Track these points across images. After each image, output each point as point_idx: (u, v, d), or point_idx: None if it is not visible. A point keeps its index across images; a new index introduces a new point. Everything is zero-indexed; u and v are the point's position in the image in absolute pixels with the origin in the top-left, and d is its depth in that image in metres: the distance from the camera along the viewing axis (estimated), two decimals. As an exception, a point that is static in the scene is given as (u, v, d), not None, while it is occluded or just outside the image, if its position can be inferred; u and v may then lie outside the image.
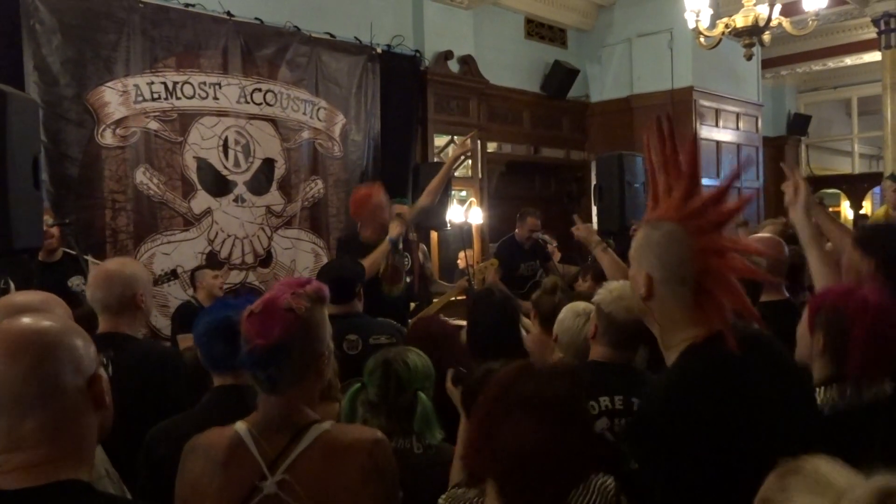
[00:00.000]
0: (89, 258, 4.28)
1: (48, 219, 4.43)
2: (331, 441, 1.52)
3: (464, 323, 3.15)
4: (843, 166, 13.49)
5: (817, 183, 12.56)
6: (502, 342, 2.79)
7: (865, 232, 2.80)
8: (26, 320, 1.26)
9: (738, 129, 9.64)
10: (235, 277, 5.87)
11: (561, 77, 8.77)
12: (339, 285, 3.18)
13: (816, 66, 11.31)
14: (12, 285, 3.38)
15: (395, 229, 4.23)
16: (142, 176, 5.39)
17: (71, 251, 4.28)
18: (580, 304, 2.69)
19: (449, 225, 6.75)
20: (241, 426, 1.55)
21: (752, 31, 6.06)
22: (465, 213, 7.34)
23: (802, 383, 1.62)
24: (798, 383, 1.61)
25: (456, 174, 7.52)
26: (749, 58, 6.34)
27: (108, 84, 5.22)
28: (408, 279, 4.52)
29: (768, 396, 1.51)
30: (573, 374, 1.39)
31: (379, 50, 6.87)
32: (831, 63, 11.14)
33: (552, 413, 1.31)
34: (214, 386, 2.12)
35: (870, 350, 1.70)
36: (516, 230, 6.22)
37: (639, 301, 1.58)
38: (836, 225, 2.85)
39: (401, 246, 4.27)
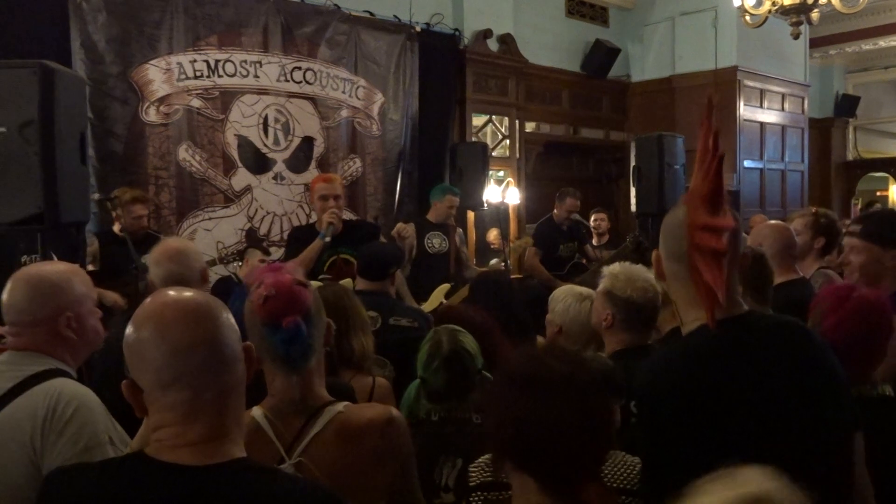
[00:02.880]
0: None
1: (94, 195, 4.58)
2: (344, 423, 1.54)
3: None
4: (893, 149, 13.12)
5: (865, 166, 12.25)
6: (507, 324, 2.81)
7: (878, 223, 2.78)
8: (185, 293, 1.25)
9: (783, 110, 9.43)
10: (275, 254, 5.94)
11: (601, 56, 8.66)
12: (372, 264, 3.24)
13: (867, 46, 10.97)
14: (55, 259, 3.46)
15: (325, 220, 4.05)
16: (184, 153, 5.48)
17: (155, 232, 4.46)
18: (577, 289, 2.67)
19: (486, 205, 6.75)
20: (257, 411, 1.57)
21: (800, 9, 5.90)
22: (503, 193, 7.32)
23: (829, 376, 1.56)
24: (823, 376, 1.55)
25: (494, 154, 7.52)
26: (796, 36, 6.18)
27: (152, 62, 5.30)
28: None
29: (775, 384, 1.48)
30: (579, 354, 1.42)
31: (418, 28, 6.85)
32: (882, 42, 10.79)
33: (581, 393, 1.31)
34: None
35: (838, 345, 1.70)
36: (554, 210, 6.19)
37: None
38: None
39: (328, 239, 4.03)
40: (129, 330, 1.21)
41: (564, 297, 2.63)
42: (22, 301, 1.79)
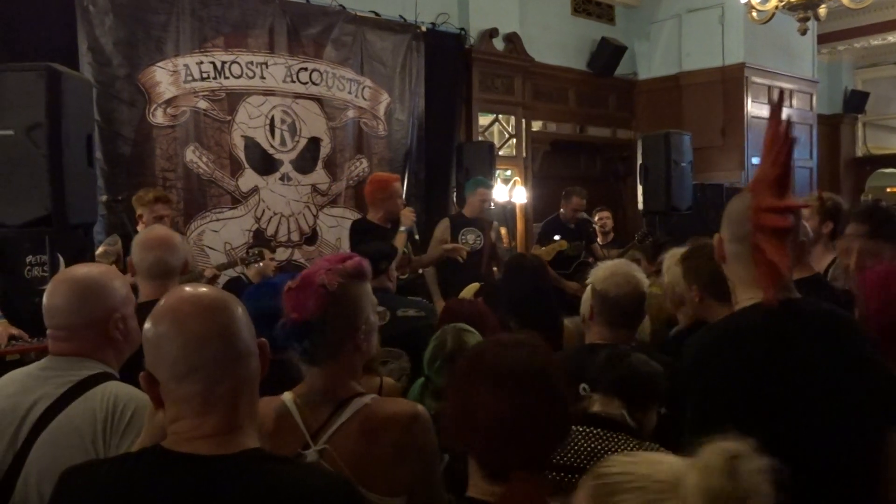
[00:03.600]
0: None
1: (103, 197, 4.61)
2: (370, 415, 1.56)
3: None
4: (902, 145, 13.04)
5: (874, 163, 12.17)
6: (538, 308, 2.82)
7: (884, 217, 2.77)
8: (200, 289, 1.28)
9: (791, 106, 9.38)
10: (281, 255, 5.97)
11: (608, 54, 8.64)
12: (371, 261, 3.26)
13: (875, 41, 10.90)
14: (62, 261, 3.48)
15: (407, 218, 4.44)
16: (191, 154, 5.50)
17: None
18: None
19: (493, 204, 6.74)
20: (287, 396, 1.61)
21: (807, 5, 5.88)
22: (509, 192, 7.32)
23: (868, 371, 1.57)
24: (863, 370, 1.56)
25: (500, 153, 7.52)
26: (803, 32, 6.16)
27: (159, 64, 5.33)
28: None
29: (815, 371, 1.52)
30: (537, 344, 1.41)
31: (423, 28, 6.86)
32: (891, 37, 10.71)
33: (520, 382, 1.32)
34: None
35: (884, 327, 1.75)
36: (560, 209, 6.18)
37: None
38: None
39: (417, 236, 4.50)
40: (147, 324, 1.24)
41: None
42: (73, 303, 1.74)
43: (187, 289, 1.29)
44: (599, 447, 1.72)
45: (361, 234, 4.49)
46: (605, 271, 2.32)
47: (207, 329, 1.20)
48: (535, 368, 1.34)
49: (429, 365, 2.21)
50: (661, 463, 0.97)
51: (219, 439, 1.20)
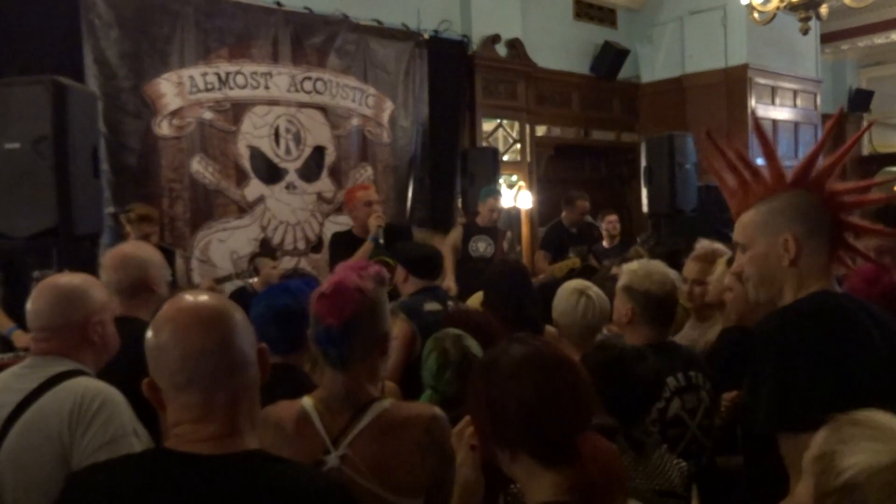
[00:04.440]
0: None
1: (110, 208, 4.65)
2: (390, 418, 1.59)
3: None
4: (909, 143, 12.98)
5: (880, 161, 12.12)
6: (520, 314, 2.87)
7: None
8: (200, 298, 1.30)
9: (795, 106, 9.37)
10: (287, 263, 5.99)
11: (611, 58, 8.65)
12: (429, 264, 3.45)
13: (879, 40, 10.87)
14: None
15: (373, 223, 4.37)
16: (197, 165, 5.54)
17: (168, 246, 4.52)
18: (573, 283, 2.67)
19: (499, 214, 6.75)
20: (307, 401, 1.63)
21: (809, 5, 5.87)
22: (514, 197, 7.33)
23: None
24: None
25: (505, 158, 7.53)
26: (805, 32, 6.14)
27: (164, 76, 5.37)
28: None
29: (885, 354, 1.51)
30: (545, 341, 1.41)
31: (426, 35, 6.89)
32: (895, 36, 10.70)
33: (544, 367, 1.31)
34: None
35: None
36: (563, 214, 6.19)
37: (776, 271, 1.64)
38: None
39: (381, 240, 4.39)
40: (148, 333, 1.27)
41: (561, 291, 2.63)
42: (54, 306, 1.88)
43: (188, 297, 1.31)
44: None
45: (332, 245, 4.63)
46: (640, 272, 2.33)
47: (204, 342, 1.22)
48: (555, 355, 1.35)
49: (437, 378, 2.19)
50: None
51: (219, 442, 1.22)
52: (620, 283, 2.40)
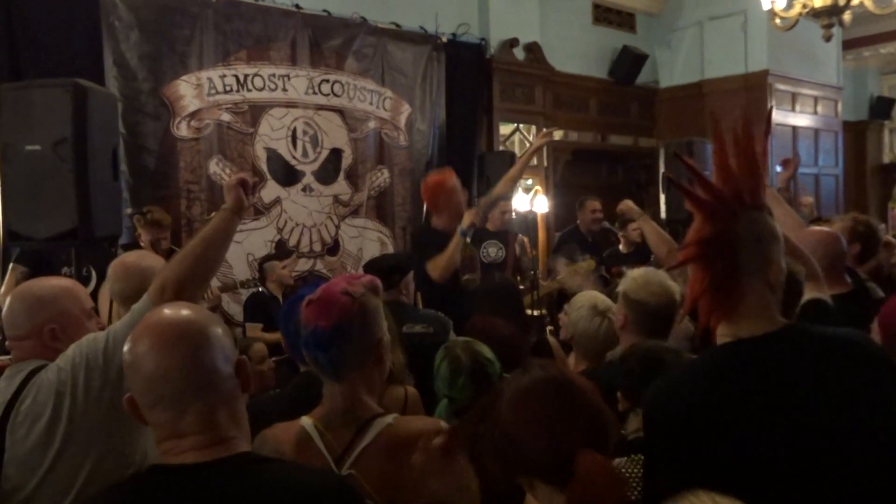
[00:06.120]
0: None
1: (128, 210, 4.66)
2: (394, 435, 1.55)
3: None
4: (930, 151, 12.82)
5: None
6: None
7: None
8: (172, 313, 1.29)
9: (815, 113, 9.28)
10: (304, 265, 5.99)
11: (629, 63, 8.60)
12: (382, 274, 3.23)
13: (901, 47, 10.76)
14: (94, 274, 3.53)
15: (467, 219, 3.95)
16: (215, 166, 5.55)
17: (177, 249, 4.50)
18: (600, 298, 2.63)
19: (514, 214, 6.72)
20: (306, 421, 1.59)
21: (832, 11, 5.82)
22: (531, 201, 7.29)
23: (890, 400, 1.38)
24: (882, 399, 1.37)
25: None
26: (828, 39, 6.09)
27: (183, 78, 5.39)
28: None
29: (814, 410, 1.33)
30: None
31: (444, 39, 6.88)
32: (918, 43, 10.58)
33: (555, 391, 1.28)
34: (301, 371, 2.23)
35: None
36: (578, 221, 6.15)
37: None
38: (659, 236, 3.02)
39: (468, 238, 4.06)
40: (125, 348, 1.27)
41: (581, 305, 2.60)
42: (11, 316, 1.92)
43: (162, 312, 1.30)
44: None
45: (423, 246, 4.16)
46: (639, 280, 2.31)
47: (167, 363, 1.21)
48: (568, 380, 1.32)
49: (450, 385, 2.17)
50: None
51: (204, 451, 1.21)
52: (619, 287, 2.38)
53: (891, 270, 4.36)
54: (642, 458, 1.67)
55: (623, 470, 1.70)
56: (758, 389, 1.34)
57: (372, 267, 3.26)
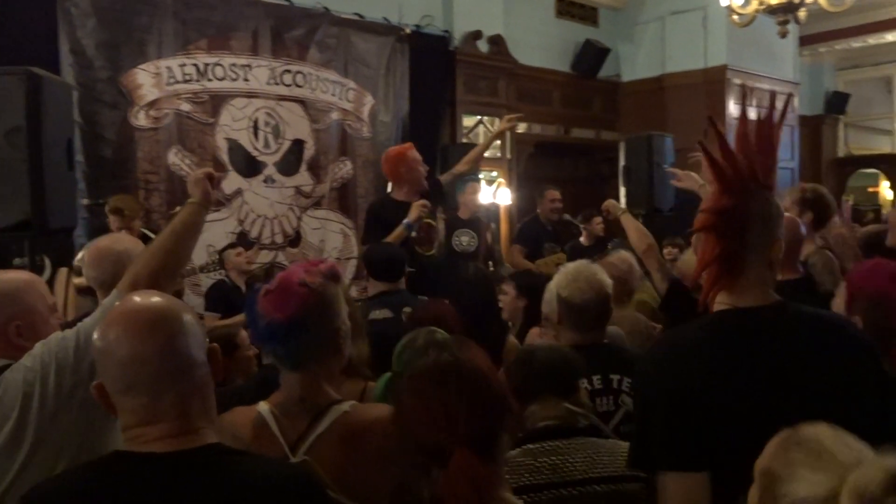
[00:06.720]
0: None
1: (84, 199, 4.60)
2: (349, 422, 1.54)
3: None
4: (883, 145, 13.16)
5: (856, 163, 12.29)
6: (483, 322, 2.84)
7: None
8: (146, 300, 1.29)
9: (773, 108, 9.43)
10: (265, 257, 5.96)
11: (592, 56, 8.68)
12: (389, 266, 3.36)
13: (856, 43, 11.00)
14: (48, 263, 3.47)
15: (414, 212, 4.02)
16: (174, 157, 5.49)
17: (148, 232, 4.45)
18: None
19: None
20: (263, 407, 1.59)
21: (787, 8, 5.92)
22: (493, 193, 7.34)
23: (864, 381, 1.45)
24: (857, 380, 1.45)
25: (485, 154, 7.51)
26: (783, 35, 6.20)
27: (142, 66, 5.31)
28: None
29: (793, 382, 1.42)
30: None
31: (408, 30, 6.87)
32: (871, 40, 10.81)
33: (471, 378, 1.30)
34: (264, 364, 2.20)
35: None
36: (538, 210, 6.20)
37: None
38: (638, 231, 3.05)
39: (414, 234, 4.11)
40: (95, 335, 1.27)
41: (550, 288, 2.62)
42: None
43: (135, 300, 1.30)
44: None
45: (370, 216, 4.22)
46: (567, 276, 2.29)
47: (144, 348, 1.21)
48: (464, 366, 1.33)
49: (396, 359, 2.18)
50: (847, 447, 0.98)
51: (173, 440, 1.21)
52: (551, 282, 2.36)
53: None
54: (538, 447, 1.72)
55: (519, 460, 1.71)
56: (750, 353, 1.44)
57: (386, 258, 3.34)
